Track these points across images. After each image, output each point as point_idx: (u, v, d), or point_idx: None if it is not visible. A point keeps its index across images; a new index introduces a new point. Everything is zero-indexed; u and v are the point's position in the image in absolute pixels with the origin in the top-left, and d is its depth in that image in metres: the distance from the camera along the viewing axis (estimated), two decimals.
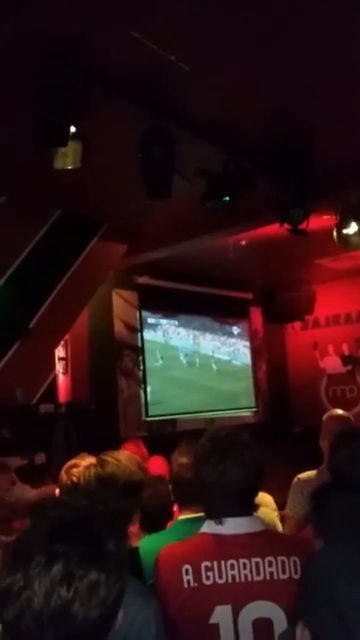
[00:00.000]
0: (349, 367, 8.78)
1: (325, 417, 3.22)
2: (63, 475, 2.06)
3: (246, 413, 8.57)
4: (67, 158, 3.51)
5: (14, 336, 5.12)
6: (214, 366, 8.33)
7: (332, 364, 8.93)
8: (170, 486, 2.35)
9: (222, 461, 1.66)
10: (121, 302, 7.16)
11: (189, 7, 2.88)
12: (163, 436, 6.81)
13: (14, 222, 4.96)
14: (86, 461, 2.12)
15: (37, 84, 3.11)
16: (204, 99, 3.69)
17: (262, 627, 1.55)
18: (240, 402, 8.58)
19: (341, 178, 4.76)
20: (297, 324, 9.22)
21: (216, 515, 1.66)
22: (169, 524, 2.58)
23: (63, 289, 5.58)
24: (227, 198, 4.31)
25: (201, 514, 2.17)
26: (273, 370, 9.14)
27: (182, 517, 2.24)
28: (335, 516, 1.64)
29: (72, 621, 0.93)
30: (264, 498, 2.66)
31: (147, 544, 2.09)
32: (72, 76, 3.17)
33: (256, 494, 1.71)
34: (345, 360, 8.82)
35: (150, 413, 7.22)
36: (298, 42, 3.21)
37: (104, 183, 4.79)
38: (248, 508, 1.68)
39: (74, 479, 2.10)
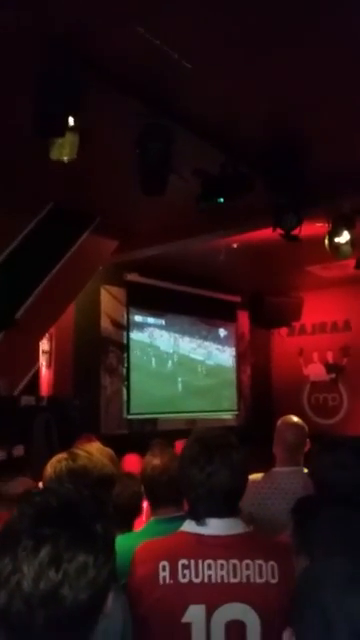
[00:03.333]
0: (333, 375, 8.83)
1: (279, 423, 3.24)
2: (48, 469, 2.04)
3: (227, 415, 8.58)
4: (64, 149, 3.47)
5: None
6: (198, 367, 8.33)
7: (316, 372, 8.97)
8: (142, 486, 2.34)
9: (211, 462, 1.65)
10: (109, 298, 7.13)
11: (193, 6, 2.87)
12: (143, 435, 6.79)
13: (5, 213, 4.92)
14: (58, 457, 2.10)
15: (36, 73, 3.08)
16: (204, 99, 3.69)
17: (235, 629, 1.54)
18: (222, 404, 8.59)
19: (335, 186, 4.78)
20: (283, 330, 9.24)
21: (200, 515, 1.65)
22: (139, 521, 2.58)
23: (51, 282, 5.54)
24: (221, 200, 4.31)
25: (174, 515, 2.17)
26: (257, 374, 9.16)
27: (155, 518, 2.24)
28: (321, 530, 1.63)
29: (62, 603, 0.93)
30: None
31: (120, 544, 2.08)
32: (72, 67, 3.14)
33: (241, 496, 1.71)
34: (329, 368, 8.86)
35: (132, 411, 7.20)
36: (298, 50, 3.22)
37: (98, 177, 4.77)
38: (231, 510, 1.67)
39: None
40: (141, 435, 6.73)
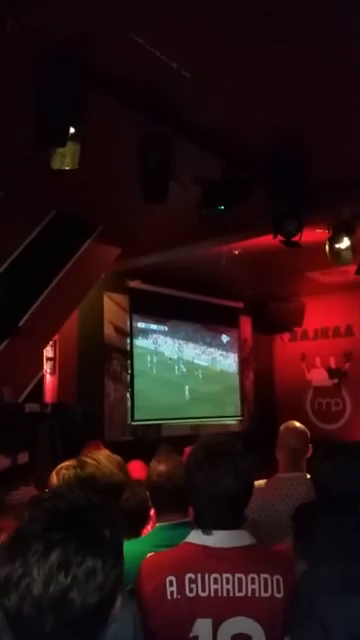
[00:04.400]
0: (335, 380, 8.83)
1: (282, 429, 3.25)
2: (54, 477, 2.06)
3: (231, 421, 8.58)
4: (65, 159, 3.52)
5: (3, 334, 5.10)
6: (201, 373, 8.34)
7: (319, 377, 8.97)
8: (148, 493, 2.35)
9: (214, 468, 1.65)
10: (112, 305, 7.17)
11: (192, 15, 2.92)
12: (147, 441, 6.81)
13: (8, 221, 4.96)
14: (66, 465, 2.11)
15: (38, 84, 3.13)
16: (204, 107, 3.73)
17: None
18: (226, 410, 8.60)
19: (335, 192, 4.81)
20: (286, 335, 9.26)
21: (205, 525, 1.65)
22: (147, 529, 2.59)
23: (54, 289, 5.58)
24: (222, 207, 4.34)
25: (179, 521, 2.18)
26: (260, 380, 9.17)
27: (160, 524, 2.24)
28: (319, 536, 1.64)
29: (71, 606, 0.96)
30: None
31: (126, 550, 2.10)
32: (73, 77, 3.19)
33: (245, 505, 1.70)
34: (332, 373, 8.87)
35: (136, 417, 7.21)
36: (298, 57, 3.26)
37: (100, 185, 4.81)
38: (237, 520, 1.67)
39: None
40: (145, 441, 6.75)
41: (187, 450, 2.42)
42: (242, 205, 4.33)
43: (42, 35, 2.99)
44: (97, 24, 2.95)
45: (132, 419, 7.18)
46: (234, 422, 8.63)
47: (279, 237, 4.78)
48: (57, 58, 3.11)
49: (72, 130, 3.36)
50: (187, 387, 8.04)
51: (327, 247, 5.24)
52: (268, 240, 5.07)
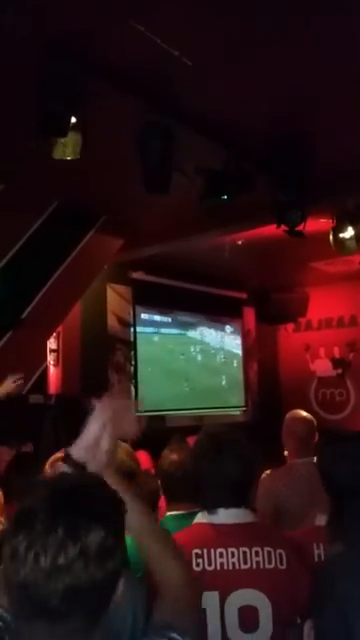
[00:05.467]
0: (339, 370, 8.82)
1: (288, 418, 3.32)
2: (48, 468, 2.06)
3: (235, 412, 8.59)
4: (66, 149, 3.50)
5: (6, 326, 5.11)
6: (205, 364, 8.35)
7: (323, 367, 8.96)
8: (159, 481, 2.36)
9: (220, 455, 1.73)
10: (115, 296, 7.16)
11: (193, 3, 2.88)
12: (151, 432, 6.81)
13: (10, 212, 4.95)
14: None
15: (38, 73, 3.11)
16: (206, 96, 3.70)
17: (247, 614, 1.61)
18: (230, 401, 8.61)
19: (339, 182, 4.79)
20: (290, 326, 9.24)
21: (210, 505, 1.72)
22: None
23: (57, 281, 5.57)
24: (225, 197, 4.32)
25: (190, 510, 2.19)
26: (264, 370, 9.17)
27: (171, 513, 2.26)
28: (357, 518, 1.66)
29: (78, 577, 0.97)
30: None
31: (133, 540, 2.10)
32: (74, 67, 3.17)
33: (250, 488, 1.78)
34: (336, 363, 8.85)
35: (139, 408, 7.22)
36: (300, 45, 3.23)
37: (102, 176, 4.78)
38: (241, 500, 1.74)
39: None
40: (149, 432, 6.76)
41: (190, 440, 2.42)
42: (245, 195, 4.31)
43: (42, 24, 2.96)
44: (97, 12, 2.92)
45: (136, 410, 7.18)
46: (238, 413, 8.64)
47: (282, 227, 4.75)
48: (57, 47, 3.09)
49: (73, 120, 3.34)
50: (191, 378, 8.04)
51: (331, 236, 5.22)
52: (271, 230, 5.04)
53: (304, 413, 3.37)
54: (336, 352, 8.86)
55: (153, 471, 3.16)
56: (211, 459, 1.74)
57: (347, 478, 1.85)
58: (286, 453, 3.31)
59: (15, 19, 2.88)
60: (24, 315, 5.26)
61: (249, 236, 6.07)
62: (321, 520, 1.89)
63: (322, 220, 5.21)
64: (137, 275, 7.29)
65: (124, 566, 1.08)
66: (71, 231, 5.69)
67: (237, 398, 8.75)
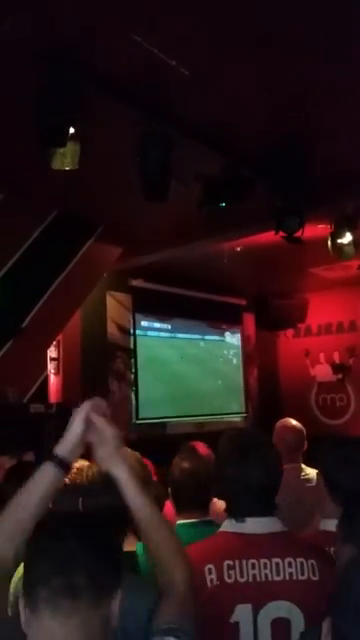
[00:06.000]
0: (339, 376, 8.82)
1: (278, 426, 3.38)
2: (75, 476, 2.06)
3: (236, 418, 8.58)
4: (65, 159, 3.52)
5: (7, 335, 5.11)
6: (205, 371, 8.35)
7: (323, 372, 8.96)
8: (169, 489, 2.34)
9: (246, 459, 1.69)
10: (115, 304, 7.17)
11: (190, 13, 2.91)
12: (152, 439, 6.81)
13: (10, 221, 4.97)
14: (78, 463, 2.12)
15: (37, 84, 3.13)
16: (203, 104, 3.72)
17: (280, 627, 1.57)
18: (230, 407, 8.60)
19: (337, 188, 4.81)
20: (289, 331, 9.25)
21: (239, 513, 1.68)
22: None
23: (57, 289, 5.58)
24: (223, 204, 4.34)
25: (201, 519, 2.18)
26: (264, 376, 9.17)
27: (181, 522, 2.24)
28: None
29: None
30: None
31: (144, 550, 2.10)
32: (72, 77, 3.19)
33: (276, 492, 1.73)
34: (336, 369, 8.86)
35: (140, 416, 7.22)
36: (297, 53, 3.25)
37: (101, 185, 4.81)
38: (270, 508, 1.70)
39: (66, 481, 2.10)
40: (150, 440, 6.75)
41: (195, 445, 2.42)
42: (243, 202, 4.33)
43: (41, 36, 2.99)
44: (96, 23, 2.95)
45: (137, 417, 7.19)
46: (239, 419, 8.64)
47: (281, 233, 4.77)
48: (56, 58, 3.11)
49: (72, 130, 3.36)
50: (191, 385, 8.04)
51: (329, 242, 5.24)
52: (270, 236, 5.06)
53: (294, 422, 3.44)
54: (336, 357, 8.87)
55: (155, 478, 3.16)
56: (236, 464, 1.69)
57: (352, 483, 1.85)
58: None
59: (15, 30, 2.90)
60: (24, 324, 5.27)
61: (248, 243, 6.09)
62: (325, 525, 1.88)
63: (320, 226, 5.23)
64: (137, 283, 7.30)
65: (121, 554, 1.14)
66: (71, 240, 5.70)
67: (237, 404, 8.74)
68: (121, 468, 1.44)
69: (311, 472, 3.11)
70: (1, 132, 3.87)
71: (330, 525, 1.82)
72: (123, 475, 1.44)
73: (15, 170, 4.41)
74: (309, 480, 3.08)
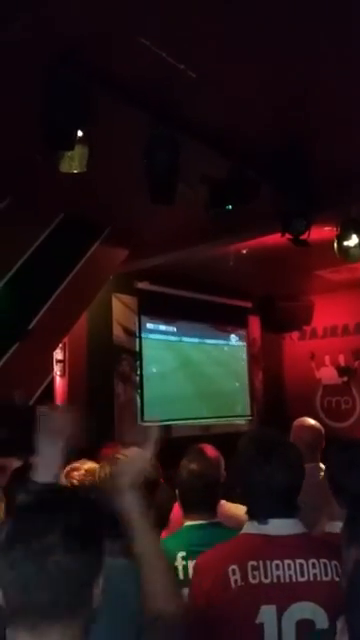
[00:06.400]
0: (345, 378, 8.80)
1: (295, 425, 3.35)
2: (63, 479, 2.07)
3: (241, 421, 8.57)
4: (73, 162, 3.53)
5: (13, 337, 5.12)
6: (210, 373, 8.34)
7: (328, 375, 8.94)
8: (177, 491, 2.34)
9: (269, 462, 1.69)
10: (120, 306, 7.18)
11: (196, 16, 2.92)
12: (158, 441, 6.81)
13: (17, 224, 4.99)
14: (87, 465, 2.13)
15: (45, 87, 3.15)
16: (209, 106, 3.73)
17: (304, 628, 1.57)
18: (235, 410, 8.59)
19: (343, 190, 4.80)
20: (295, 334, 9.24)
21: (262, 515, 1.67)
22: (167, 531, 2.57)
23: (63, 292, 5.60)
24: (230, 207, 4.34)
25: (208, 521, 2.18)
26: (269, 379, 9.16)
27: (188, 523, 2.24)
28: None
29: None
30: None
31: None
32: (80, 80, 3.20)
33: (299, 493, 1.73)
34: (341, 371, 8.83)
35: (145, 418, 7.22)
36: (302, 54, 3.26)
37: (108, 188, 4.82)
38: (292, 509, 1.70)
39: (74, 482, 2.11)
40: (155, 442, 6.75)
41: (203, 447, 2.42)
42: (249, 204, 4.33)
43: (48, 37, 3.00)
44: (103, 26, 2.97)
45: (142, 420, 7.19)
46: (244, 422, 8.62)
47: (287, 235, 4.77)
48: (64, 60, 3.13)
49: (80, 133, 3.37)
50: (196, 387, 8.03)
51: (335, 245, 5.23)
52: (276, 239, 5.06)
53: (312, 421, 3.40)
54: (341, 360, 8.85)
55: (162, 480, 3.16)
56: (260, 467, 1.68)
57: (357, 486, 1.85)
58: None
59: (22, 33, 2.92)
60: (31, 326, 5.28)
61: (254, 245, 6.09)
62: (331, 527, 1.88)
63: (327, 228, 5.22)
64: (142, 285, 7.31)
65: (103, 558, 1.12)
66: (77, 242, 5.72)
67: (243, 407, 8.73)
68: (136, 504, 1.46)
69: None
70: (8, 135, 3.89)
71: (335, 527, 1.82)
72: (135, 511, 1.45)
73: (22, 173, 4.42)
74: None
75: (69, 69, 3.16)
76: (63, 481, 2.06)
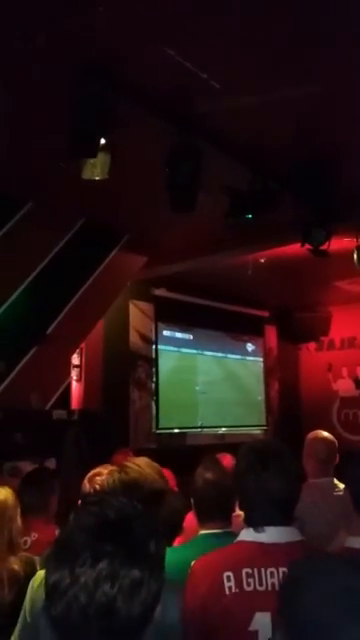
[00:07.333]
0: None
1: (310, 438, 3.30)
2: (86, 484, 2.08)
3: (256, 431, 8.53)
4: (95, 169, 3.56)
5: (31, 342, 5.17)
6: (226, 382, 8.32)
7: (345, 387, 8.87)
8: (192, 500, 2.34)
9: (266, 470, 1.69)
10: (137, 313, 7.20)
11: (221, 26, 2.94)
12: (172, 449, 6.81)
13: (39, 229, 5.04)
14: (109, 470, 2.14)
15: (71, 96, 3.19)
16: (232, 116, 3.75)
17: None
18: (251, 419, 8.55)
19: None
20: (312, 345, 9.19)
21: (257, 523, 1.68)
22: (180, 539, 2.57)
23: (82, 297, 5.64)
24: (250, 216, 4.35)
25: (223, 530, 2.18)
26: (285, 389, 9.11)
27: (203, 532, 2.24)
28: None
29: (116, 616, 0.98)
30: None
31: (171, 557, 2.09)
32: (105, 89, 3.24)
33: (296, 503, 1.73)
34: (358, 383, 8.76)
35: (160, 426, 7.22)
36: (325, 65, 3.26)
37: (128, 195, 4.85)
38: (288, 518, 1.70)
39: (97, 487, 2.12)
40: (170, 450, 6.75)
41: (220, 456, 2.41)
42: (270, 214, 4.33)
43: (75, 48, 3.05)
44: (128, 37, 3.00)
45: (157, 427, 7.19)
46: (259, 432, 8.58)
47: (307, 246, 4.76)
48: (89, 70, 3.17)
49: (103, 141, 3.40)
50: (212, 396, 8.01)
51: (355, 255, 5.21)
52: (295, 249, 5.06)
53: (326, 434, 3.35)
54: (359, 372, 8.77)
55: (175, 489, 3.15)
56: (257, 474, 1.69)
57: None
58: None
59: (49, 43, 2.96)
60: (49, 331, 5.32)
61: (272, 254, 6.08)
62: (351, 542, 1.86)
63: (346, 239, 5.20)
64: (159, 292, 7.33)
65: (160, 594, 1.07)
66: (96, 248, 5.76)
67: (258, 417, 8.69)
68: None
69: (342, 487, 3.04)
70: (31, 141, 3.94)
71: (356, 543, 1.80)
72: None
73: (44, 179, 4.47)
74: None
75: (94, 78, 3.19)
76: (87, 486, 2.07)
